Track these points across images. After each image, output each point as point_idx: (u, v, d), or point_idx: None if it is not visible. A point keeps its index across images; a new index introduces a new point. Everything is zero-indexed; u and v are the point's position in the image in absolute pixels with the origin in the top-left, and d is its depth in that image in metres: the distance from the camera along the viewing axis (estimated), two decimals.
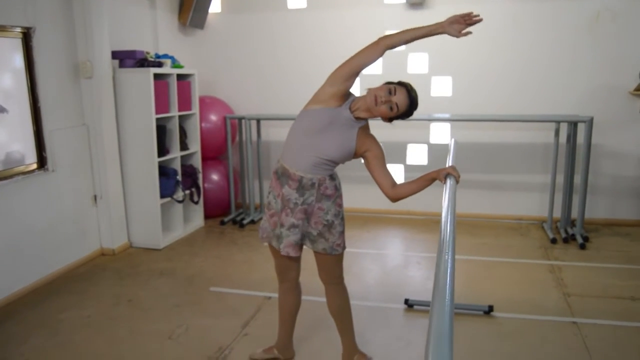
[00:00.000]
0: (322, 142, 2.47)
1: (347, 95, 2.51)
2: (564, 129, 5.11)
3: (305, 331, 3.33)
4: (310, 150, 2.49)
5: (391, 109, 2.40)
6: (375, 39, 2.49)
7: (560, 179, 5.16)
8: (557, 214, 5.31)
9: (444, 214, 1.77)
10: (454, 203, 1.94)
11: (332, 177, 2.58)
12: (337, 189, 2.61)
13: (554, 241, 4.90)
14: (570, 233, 4.98)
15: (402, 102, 2.41)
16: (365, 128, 2.56)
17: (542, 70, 5.34)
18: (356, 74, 2.44)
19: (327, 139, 2.47)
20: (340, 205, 2.63)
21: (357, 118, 2.49)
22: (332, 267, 2.74)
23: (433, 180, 2.47)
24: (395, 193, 2.51)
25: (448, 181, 2.30)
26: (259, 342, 3.22)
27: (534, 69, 5.36)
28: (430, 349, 0.94)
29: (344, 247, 2.68)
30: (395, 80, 2.51)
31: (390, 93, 2.40)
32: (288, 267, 2.80)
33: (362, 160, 2.62)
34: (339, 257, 2.72)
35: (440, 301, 1.13)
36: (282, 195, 2.55)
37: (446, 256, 1.37)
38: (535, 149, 5.50)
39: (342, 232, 2.66)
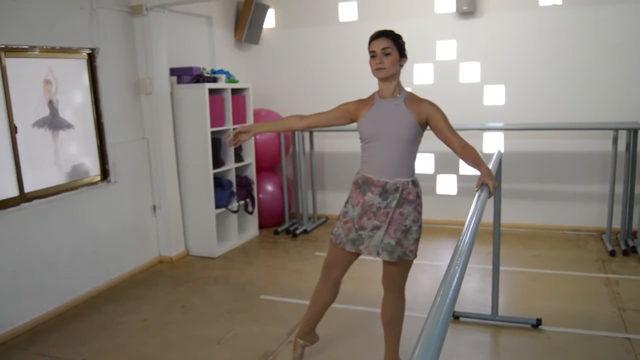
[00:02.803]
0: (388, 133, 2.57)
1: (369, 97, 2.71)
2: (622, 137, 4.92)
3: (347, 338, 3.39)
4: (386, 148, 2.58)
5: (382, 64, 2.54)
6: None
7: (620, 188, 4.96)
8: (617, 225, 5.10)
9: (467, 223, 1.79)
10: (480, 215, 1.95)
11: (415, 183, 2.65)
12: (419, 196, 2.67)
13: (612, 253, 4.72)
14: (630, 245, 4.78)
15: (383, 47, 2.53)
16: (410, 98, 2.62)
17: (598, 76, 5.17)
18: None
19: (389, 128, 2.57)
20: (420, 213, 2.67)
21: (393, 96, 2.60)
22: (398, 274, 2.76)
23: (477, 168, 2.50)
24: (465, 154, 2.57)
25: (483, 192, 2.30)
26: None
27: (589, 75, 5.20)
28: (416, 354, 0.98)
29: (415, 255, 2.70)
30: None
31: (374, 57, 2.56)
32: (337, 264, 2.82)
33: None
34: (408, 265, 2.74)
35: (438, 308, 1.16)
36: (364, 202, 2.63)
37: (456, 267, 1.39)
38: (593, 157, 5.32)
39: (417, 240, 2.68)
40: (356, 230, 2.66)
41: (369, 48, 2.59)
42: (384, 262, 2.74)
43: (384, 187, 2.58)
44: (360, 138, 2.69)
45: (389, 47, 2.53)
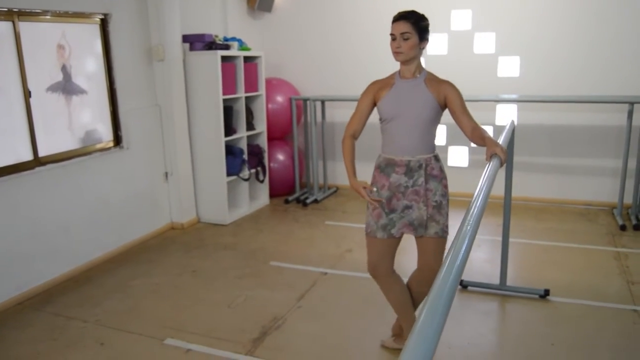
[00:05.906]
0: (409, 112, 2.56)
1: (389, 77, 2.66)
2: (638, 111, 4.85)
3: (359, 307, 3.44)
4: (406, 127, 2.57)
5: (400, 48, 2.51)
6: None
7: (633, 163, 4.92)
8: (629, 200, 5.07)
9: (477, 191, 1.80)
10: (491, 183, 1.95)
11: (437, 158, 2.64)
12: (442, 170, 2.65)
13: (623, 228, 4.71)
14: None
15: (402, 32, 2.50)
16: (430, 78, 2.60)
17: (615, 49, 5.08)
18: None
19: (410, 108, 2.56)
20: (446, 187, 2.66)
21: (413, 77, 2.58)
22: (439, 253, 2.69)
23: (483, 144, 2.45)
24: (473, 135, 2.53)
25: (493, 161, 2.29)
26: (311, 314, 3.36)
27: (604, 47, 5.11)
28: (423, 314, 1.00)
29: (448, 232, 2.67)
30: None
31: (394, 40, 2.53)
32: (379, 257, 2.73)
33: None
34: (444, 244, 2.69)
35: (447, 271, 1.18)
36: (390, 184, 2.60)
37: (467, 227, 1.40)
38: (607, 131, 5.27)
39: (448, 214, 2.67)
40: (387, 215, 2.62)
41: (391, 29, 2.56)
42: (423, 246, 2.69)
43: (408, 166, 2.57)
44: (380, 119, 2.66)
45: (408, 32, 2.48)
